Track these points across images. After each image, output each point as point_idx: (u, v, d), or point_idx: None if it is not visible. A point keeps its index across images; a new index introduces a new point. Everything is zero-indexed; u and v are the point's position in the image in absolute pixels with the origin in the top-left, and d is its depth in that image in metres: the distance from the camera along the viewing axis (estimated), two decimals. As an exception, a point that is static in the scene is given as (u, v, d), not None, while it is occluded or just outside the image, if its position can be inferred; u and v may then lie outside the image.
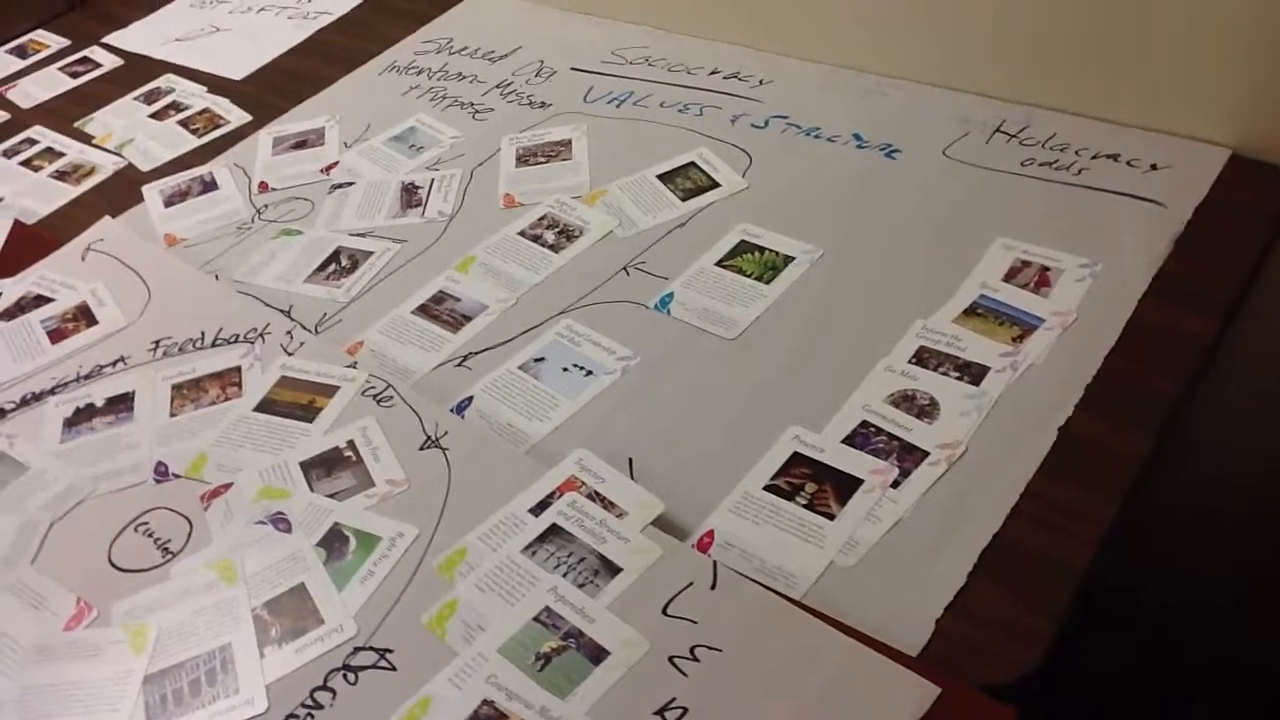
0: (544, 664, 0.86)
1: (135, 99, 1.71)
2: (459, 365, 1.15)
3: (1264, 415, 1.33)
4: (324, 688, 0.87)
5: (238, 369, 1.17)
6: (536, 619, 0.89)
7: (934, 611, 0.86)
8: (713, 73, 1.53)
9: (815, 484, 0.97)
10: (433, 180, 1.41)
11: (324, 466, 1.05)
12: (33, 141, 1.64)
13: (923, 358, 1.07)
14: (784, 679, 0.83)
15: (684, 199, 1.31)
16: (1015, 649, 0.83)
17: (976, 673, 0.82)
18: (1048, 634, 0.83)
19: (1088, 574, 0.86)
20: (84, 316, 1.27)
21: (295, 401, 1.12)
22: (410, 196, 1.40)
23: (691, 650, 0.85)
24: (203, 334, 1.22)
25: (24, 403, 1.18)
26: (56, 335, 1.26)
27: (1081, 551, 0.88)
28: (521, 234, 1.30)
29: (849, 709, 0.80)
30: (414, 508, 1.00)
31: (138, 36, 1.87)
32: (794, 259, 1.20)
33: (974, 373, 1.04)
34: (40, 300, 1.31)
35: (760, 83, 1.50)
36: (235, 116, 1.62)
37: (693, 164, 1.36)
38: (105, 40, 1.87)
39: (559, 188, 1.36)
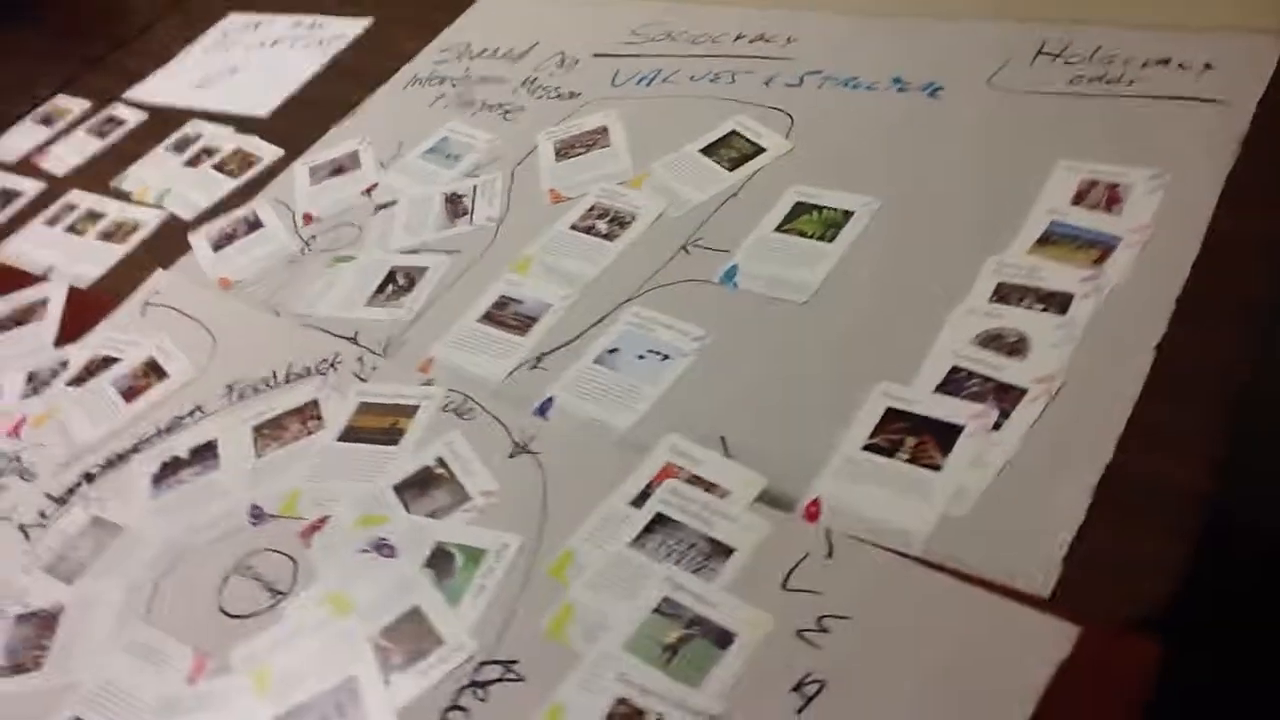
0: (671, 655, 0.85)
1: (166, 150, 1.71)
2: (533, 368, 1.14)
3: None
4: (454, 707, 0.87)
5: (315, 402, 1.17)
6: (657, 611, 0.88)
7: (1058, 551, 0.84)
8: (738, 38, 1.51)
9: (914, 437, 0.95)
10: (475, 187, 1.40)
11: (418, 487, 1.04)
12: (72, 207, 1.65)
13: (1003, 294, 1.04)
14: (917, 639, 0.81)
15: (731, 169, 1.29)
16: (1148, 580, 0.81)
17: (1112, 609, 0.80)
18: (1180, 561, 0.81)
19: (1212, 494, 0.84)
20: (153, 372, 1.28)
21: (377, 426, 1.12)
22: (455, 206, 1.39)
23: (819, 621, 0.84)
24: (274, 372, 1.22)
25: (109, 465, 1.19)
26: (130, 394, 1.26)
27: (1200, 472, 0.86)
28: (574, 227, 1.29)
29: (989, 660, 0.79)
30: (514, 516, 0.99)
31: (158, 88, 1.88)
32: (853, 213, 1.18)
33: (1058, 302, 1.02)
34: (108, 361, 1.31)
35: (788, 40, 1.48)
36: (268, 153, 1.62)
37: (734, 133, 1.34)
38: (126, 96, 1.88)
39: (603, 176, 1.35)
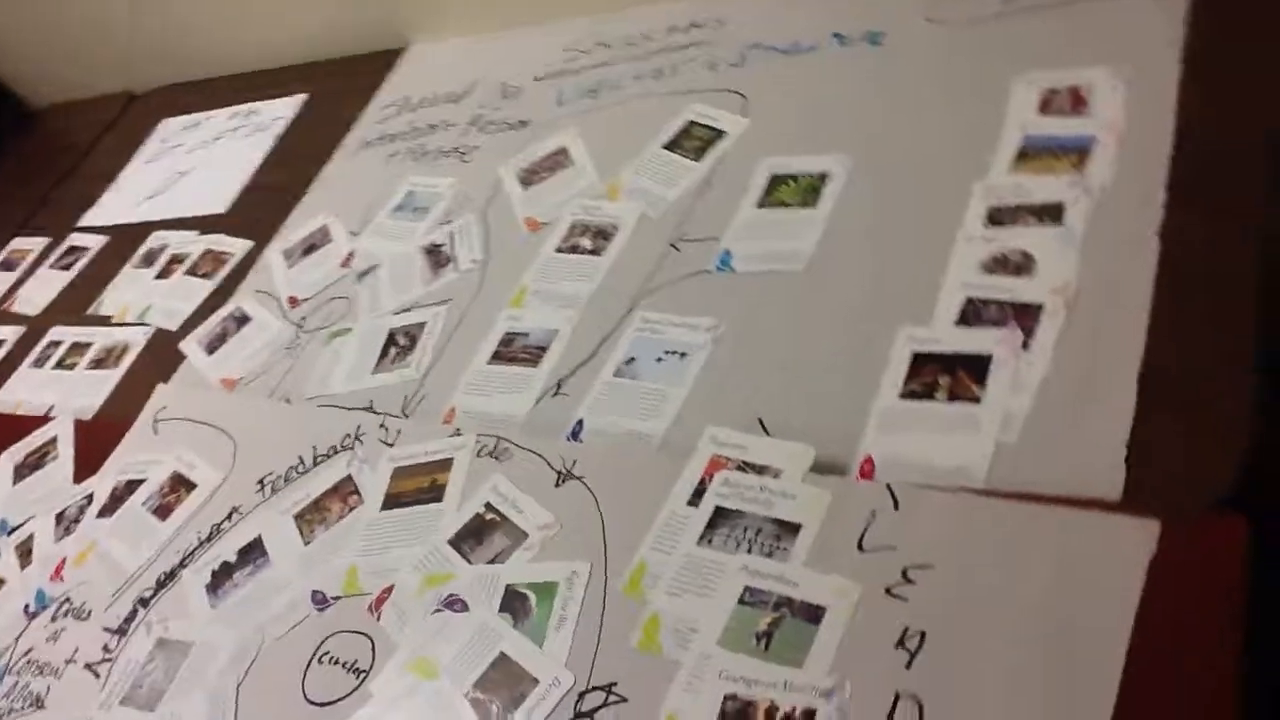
0: (767, 641, 0.85)
1: (135, 267, 1.70)
2: (555, 395, 1.14)
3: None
4: (567, 741, 0.87)
5: (349, 478, 1.17)
6: (741, 602, 0.88)
7: (1118, 453, 0.85)
8: (670, 30, 1.52)
9: (948, 375, 0.96)
10: (452, 234, 1.40)
11: (473, 536, 1.04)
12: (56, 343, 1.64)
13: (996, 217, 1.05)
14: (1004, 569, 0.82)
15: (697, 159, 1.30)
16: (1213, 461, 0.82)
17: (1186, 497, 0.80)
18: (1240, 436, 0.82)
19: (1260, 365, 0.84)
20: (181, 485, 1.27)
21: (417, 487, 1.12)
22: (437, 257, 1.39)
23: (903, 575, 0.84)
24: (300, 459, 1.22)
25: (160, 585, 1.18)
26: (163, 511, 1.26)
27: (1238, 346, 0.86)
28: (559, 250, 1.29)
29: (1078, 574, 0.79)
30: (575, 543, 0.99)
31: (111, 208, 1.87)
32: (829, 174, 1.19)
33: (1052, 213, 1.03)
34: (132, 485, 1.31)
35: (719, 23, 1.49)
36: (237, 247, 1.62)
37: (691, 123, 1.35)
38: (82, 223, 1.87)
39: (574, 194, 1.35)
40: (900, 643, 0.81)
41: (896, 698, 0.78)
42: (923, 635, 0.81)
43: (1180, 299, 0.92)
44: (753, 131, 1.29)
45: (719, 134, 1.31)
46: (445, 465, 1.12)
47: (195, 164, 1.86)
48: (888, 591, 0.84)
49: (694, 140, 1.32)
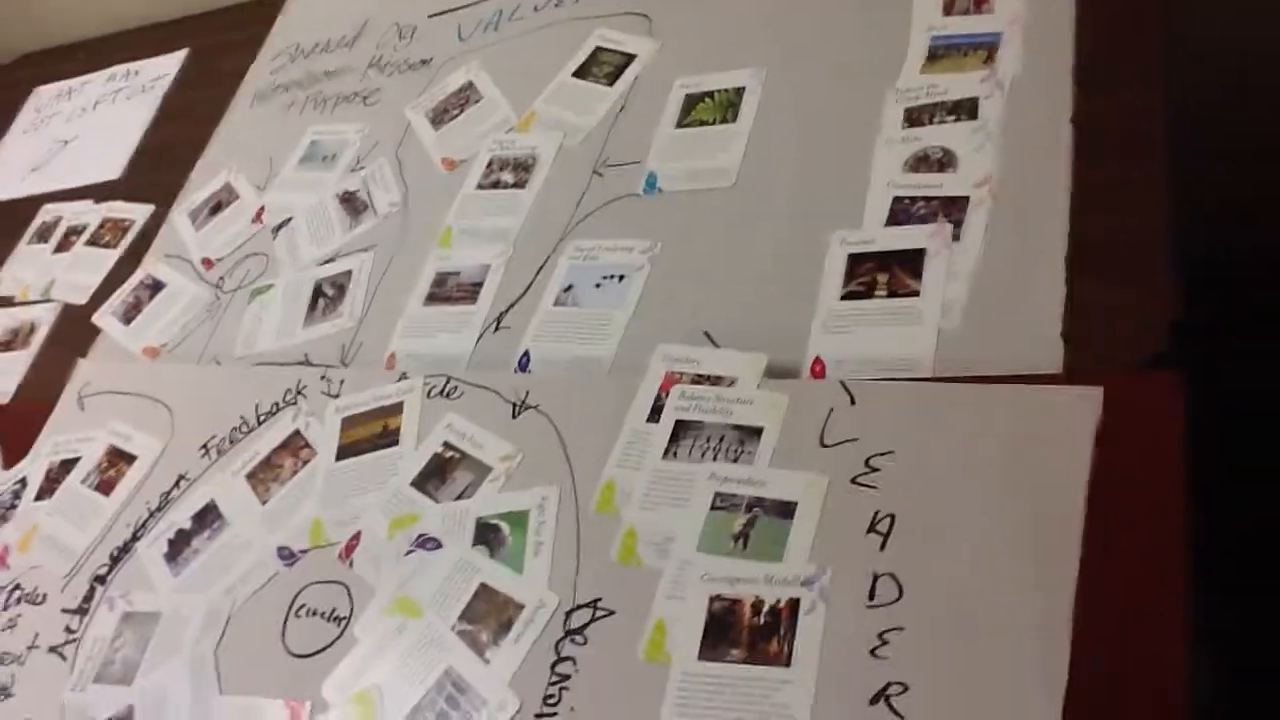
0: (744, 541, 0.89)
1: (30, 243, 1.65)
2: (496, 330, 1.15)
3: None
4: (561, 659, 0.89)
5: (297, 432, 1.16)
6: (714, 508, 0.91)
7: (1055, 327, 0.90)
8: (563, -44, 1.51)
9: (885, 273, 1.00)
10: (364, 179, 1.39)
11: (436, 476, 1.05)
12: (-45, 330, 1.58)
13: (913, 118, 1.09)
14: (963, 449, 0.86)
15: (610, 84, 1.31)
16: (1145, 325, 0.87)
17: (1123, 361, 0.86)
18: (1166, 298, 0.87)
19: (1178, 228, 0.90)
20: (120, 458, 1.25)
21: (370, 434, 1.12)
22: (353, 204, 1.37)
23: (867, 463, 0.88)
24: (243, 419, 1.21)
25: (116, 560, 1.17)
26: (105, 487, 1.24)
27: (1153, 214, 0.92)
28: (480, 186, 1.29)
29: (1033, 444, 0.84)
30: (541, 470, 1.01)
31: (-8, 185, 1.80)
32: (744, 88, 1.21)
33: (966, 109, 1.07)
34: (67, 465, 1.28)
35: (612, -57, 1.48)
36: (138, 213, 1.57)
37: (599, 49, 1.35)
38: (-39, 205, 1.79)
39: (488, 129, 1.35)
40: (872, 527, 0.85)
41: (875, 578, 0.82)
42: (892, 518, 0.85)
43: (1097, 175, 0.96)
44: (662, 52, 1.30)
45: (629, 57, 1.32)
46: (396, 410, 1.12)
47: (78, 131, 1.79)
48: (853, 481, 0.88)
49: (605, 65, 1.33)
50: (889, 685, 0.78)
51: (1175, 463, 0.79)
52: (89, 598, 1.15)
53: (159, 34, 1.87)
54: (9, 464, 1.33)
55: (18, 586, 1.20)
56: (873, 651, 0.80)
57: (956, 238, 0.99)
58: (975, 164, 1.02)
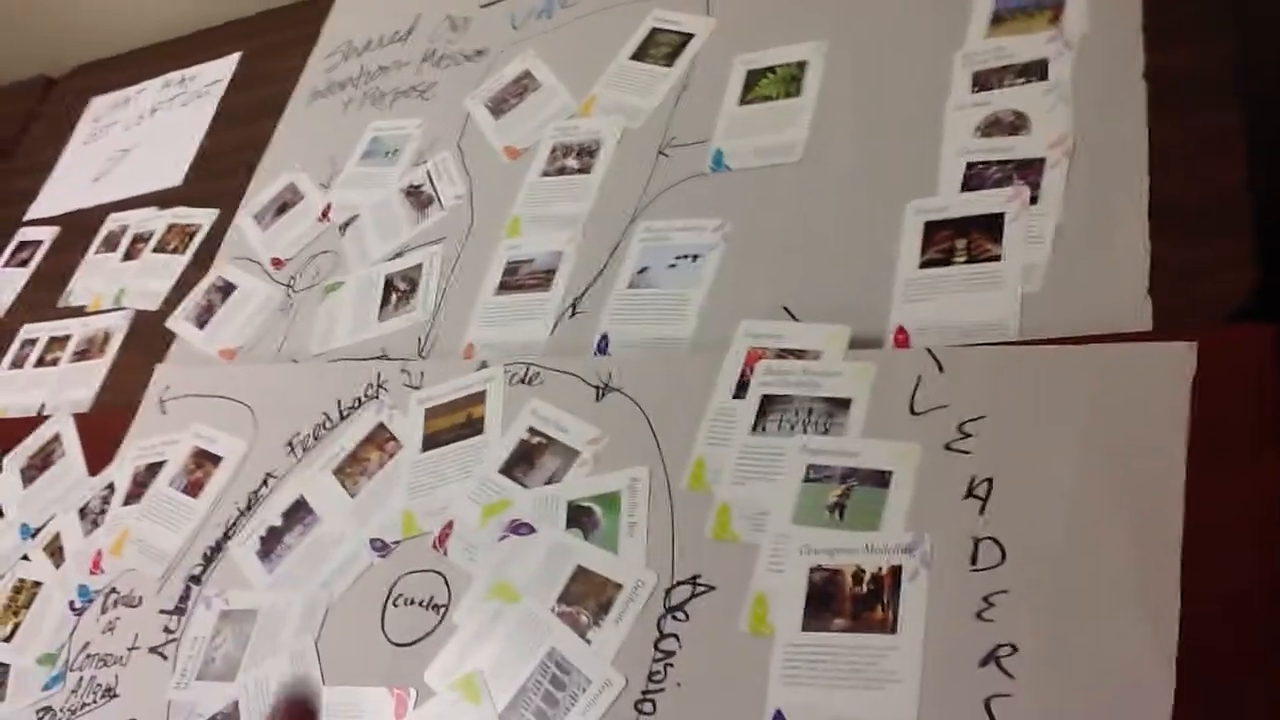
0: (840, 512, 0.89)
1: (98, 253, 1.67)
2: (573, 316, 1.16)
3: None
4: (664, 636, 0.91)
5: (381, 426, 1.18)
6: (807, 480, 0.92)
7: (1140, 285, 0.89)
8: (614, -62, 1.51)
9: (963, 239, 0.99)
10: (428, 172, 1.40)
11: (524, 462, 1.07)
12: (31, 341, 1.61)
13: (982, 82, 1.08)
14: (1057, 410, 0.86)
15: (669, 65, 1.31)
16: (1232, 277, 0.86)
17: (1213, 315, 0.85)
18: (1251, 250, 0.87)
19: (1256, 182, 0.89)
20: (205, 459, 1.27)
21: (454, 424, 1.13)
22: (418, 197, 1.39)
23: (960, 429, 0.88)
24: (325, 415, 1.22)
25: (209, 560, 1.19)
26: (193, 488, 1.26)
27: (1239, 162, 0.91)
28: (545, 174, 1.30)
29: (1128, 402, 0.84)
30: (629, 451, 1.02)
31: (56, 198, 1.83)
32: (807, 62, 1.20)
33: (1036, 70, 1.06)
34: (153, 469, 1.30)
35: (662, -76, 1.48)
36: (203, 217, 1.59)
37: (655, 29, 1.35)
38: (29, 217, 1.83)
39: (549, 117, 1.35)
40: (970, 492, 0.85)
41: (976, 542, 0.83)
42: (990, 482, 0.85)
43: (1173, 130, 0.96)
44: (721, 29, 1.30)
45: (687, 36, 1.32)
46: (478, 399, 1.13)
47: (137, 139, 1.81)
48: (947, 447, 0.88)
49: (661, 47, 1.33)
50: (998, 647, 0.78)
51: (1272, 415, 0.79)
52: (185, 598, 1.17)
53: (208, 39, 1.89)
54: (94, 471, 1.36)
55: (114, 590, 1.23)
56: (979, 615, 0.80)
57: (1034, 200, 0.98)
58: (1048, 125, 1.02)
